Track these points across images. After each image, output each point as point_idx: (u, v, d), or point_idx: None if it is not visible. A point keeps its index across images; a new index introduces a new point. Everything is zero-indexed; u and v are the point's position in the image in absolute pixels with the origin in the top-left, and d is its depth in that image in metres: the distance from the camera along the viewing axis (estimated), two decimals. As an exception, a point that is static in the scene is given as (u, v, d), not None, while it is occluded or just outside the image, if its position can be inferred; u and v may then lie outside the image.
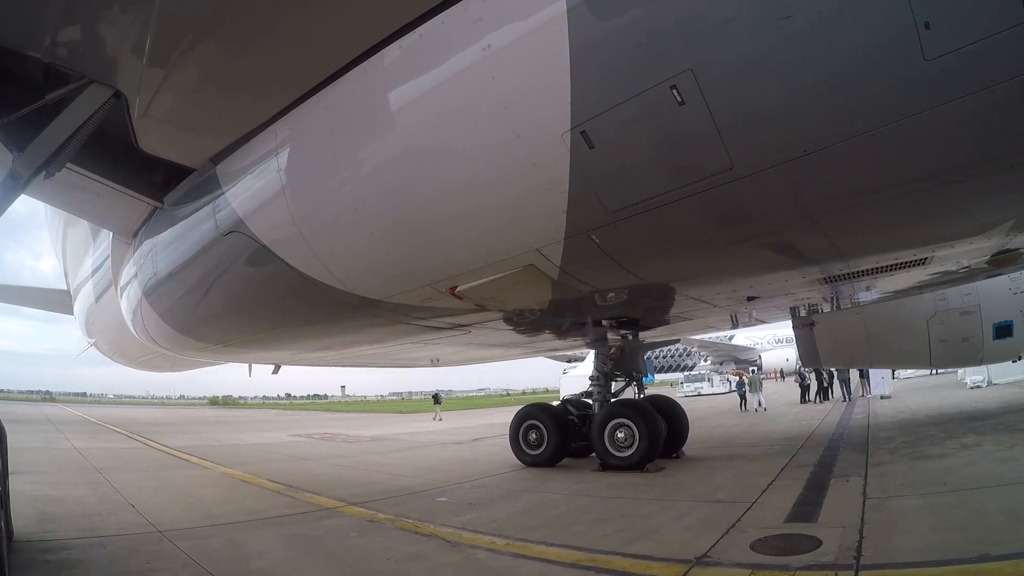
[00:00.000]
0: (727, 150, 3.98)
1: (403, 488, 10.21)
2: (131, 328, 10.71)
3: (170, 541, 6.55)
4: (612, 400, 12.58)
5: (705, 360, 69.15)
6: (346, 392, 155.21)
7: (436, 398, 42.94)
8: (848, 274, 7.27)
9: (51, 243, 21.20)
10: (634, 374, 13.12)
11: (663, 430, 11.26)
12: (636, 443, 10.76)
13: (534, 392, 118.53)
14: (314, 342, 10.31)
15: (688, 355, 61.26)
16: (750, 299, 8.39)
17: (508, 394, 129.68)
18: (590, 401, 12.93)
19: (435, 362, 15.23)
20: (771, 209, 4.81)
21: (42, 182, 5.79)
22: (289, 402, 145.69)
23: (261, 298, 7.66)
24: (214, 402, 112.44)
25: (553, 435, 12.34)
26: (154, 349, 11.73)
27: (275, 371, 16.48)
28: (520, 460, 12.65)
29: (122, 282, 9.99)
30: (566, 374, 48.94)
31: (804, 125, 3.79)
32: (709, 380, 54.01)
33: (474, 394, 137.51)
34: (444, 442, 20.48)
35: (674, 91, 3.77)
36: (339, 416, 49.61)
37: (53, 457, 15.66)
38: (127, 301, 9.90)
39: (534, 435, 12.59)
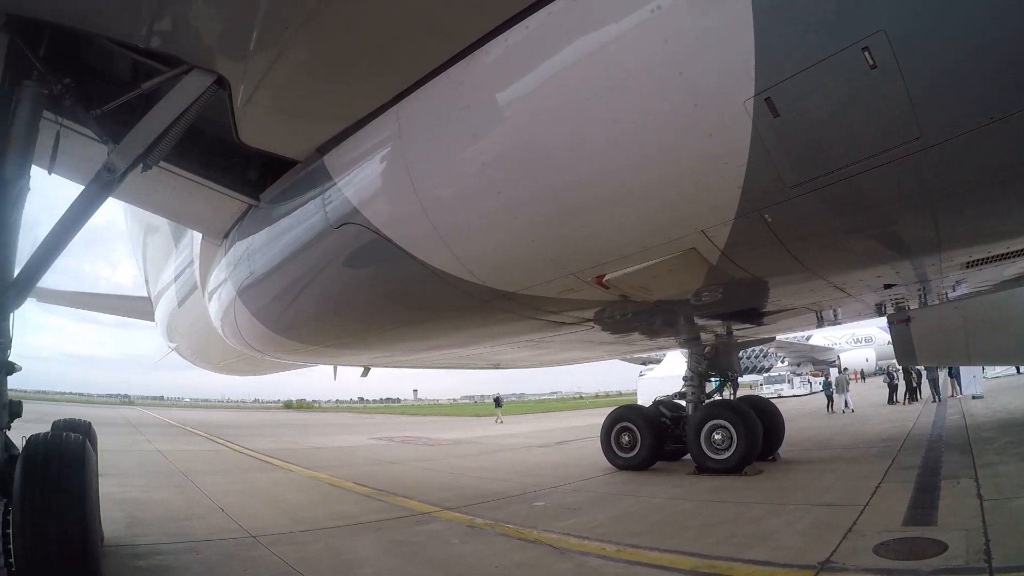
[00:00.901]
0: (916, 118, 3.58)
1: (496, 492, 10.00)
2: (219, 331, 10.66)
3: (265, 547, 6.43)
4: (708, 401, 12.17)
5: (782, 361, 67.06)
6: (418, 396, 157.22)
7: (498, 401, 42.76)
8: (999, 255, 6.61)
9: (131, 252, 21.87)
10: (729, 374, 12.68)
11: (761, 432, 10.80)
12: (734, 445, 10.45)
13: (607, 395, 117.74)
14: (424, 341, 9.86)
15: (765, 356, 59.45)
16: (887, 287, 7.79)
17: (581, 397, 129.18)
18: (682, 402, 12.55)
19: (497, 365, 14.91)
20: (952, 182, 4.33)
21: (134, 182, 5.71)
22: (363, 406, 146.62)
23: (375, 293, 7.32)
24: (288, 405, 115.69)
25: (646, 437, 12.02)
26: (244, 351, 11.61)
27: (364, 373, 16.03)
28: (611, 463, 12.38)
29: (211, 285, 9.97)
30: (643, 376, 47.85)
31: (994, 90, 3.41)
32: (789, 382, 52.57)
33: (546, 397, 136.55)
34: (527, 445, 20.31)
35: (866, 53, 3.40)
36: (415, 419, 50.56)
37: (137, 459, 16.19)
38: (217, 303, 9.85)
39: (627, 437, 12.29)
